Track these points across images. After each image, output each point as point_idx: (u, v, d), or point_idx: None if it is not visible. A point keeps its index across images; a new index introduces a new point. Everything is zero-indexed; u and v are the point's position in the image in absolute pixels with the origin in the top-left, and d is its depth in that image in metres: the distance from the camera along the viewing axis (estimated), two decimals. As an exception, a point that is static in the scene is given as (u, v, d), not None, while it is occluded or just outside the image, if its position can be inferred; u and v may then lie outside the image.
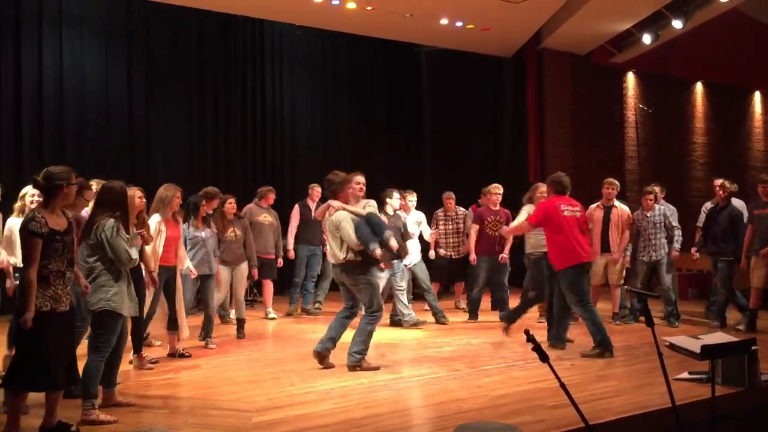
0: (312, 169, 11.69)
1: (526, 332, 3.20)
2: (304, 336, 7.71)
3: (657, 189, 8.64)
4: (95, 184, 5.69)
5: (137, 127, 10.77)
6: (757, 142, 16.32)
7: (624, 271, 8.34)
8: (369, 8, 10.62)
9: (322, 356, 5.87)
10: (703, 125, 15.25)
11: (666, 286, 8.12)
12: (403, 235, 7.90)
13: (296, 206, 9.36)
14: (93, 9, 10.41)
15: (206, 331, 6.98)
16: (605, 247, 8.22)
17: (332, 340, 5.91)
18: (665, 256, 8.13)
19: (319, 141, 12.46)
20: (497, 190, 8.66)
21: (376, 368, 5.80)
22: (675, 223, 8.30)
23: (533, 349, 3.11)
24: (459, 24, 11.43)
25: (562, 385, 3.13)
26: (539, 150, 12.84)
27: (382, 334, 7.79)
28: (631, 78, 14.07)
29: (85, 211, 5.34)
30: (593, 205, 8.41)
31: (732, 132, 15.73)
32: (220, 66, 11.51)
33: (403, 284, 8.21)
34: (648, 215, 8.18)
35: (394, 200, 7.97)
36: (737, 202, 8.42)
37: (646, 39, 11.92)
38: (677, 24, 11.04)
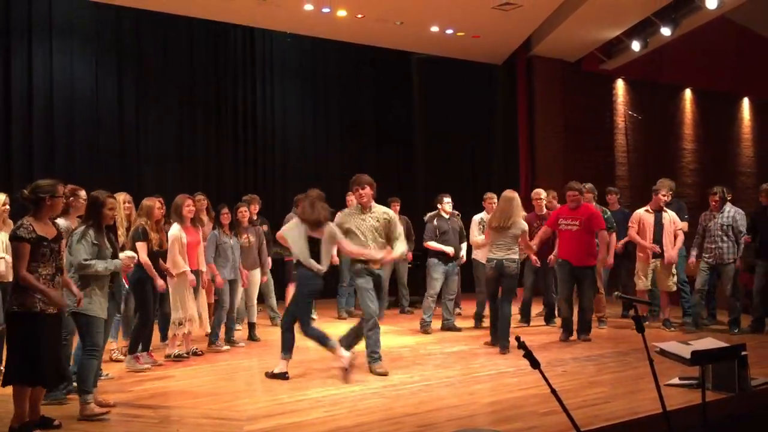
0: (303, 176, 11.70)
1: (517, 339, 3.20)
2: (297, 344, 7.65)
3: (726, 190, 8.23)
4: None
5: (128, 135, 10.72)
6: (746, 148, 16.43)
7: (675, 277, 8.17)
8: (360, 16, 10.65)
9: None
10: (692, 131, 15.34)
11: (729, 293, 7.87)
12: (460, 237, 8.45)
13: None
14: (83, 18, 10.35)
15: (230, 331, 7.49)
16: (655, 253, 8.13)
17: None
18: (734, 262, 7.82)
19: (310, 148, 12.44)
20: (538, 195, 8.81)
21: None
22: (743, 229, 7.87)
23: (524, 355, 3.11)
24: (449, 31, 11.48)
25: (554, 392, 3.13)
26: (530, 156, 12.89)
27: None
28: (620, 85, 14.15)
29: None
30: (641, 210, 8.35)
31: (721, 138, 15.83)
32: (211, 74, 11.48)
33: (454, 289, 8.48)
34: (717, 216, 7.89)
35: (446, 204, 8.37)
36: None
37: (636, 46, 12.00)
38: (666, 31, 11.12)
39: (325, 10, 10.34)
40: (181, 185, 10.15)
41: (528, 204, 9.09)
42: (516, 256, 7.04)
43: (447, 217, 8.39)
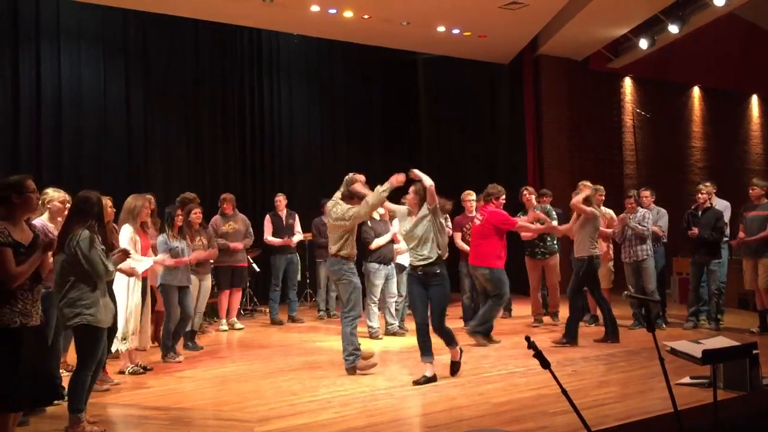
0: (310, 176, 11.73)
1: (527, 339, 3.20)
2: (305, 345, 7.70)
3: (646, 193, 8.67)
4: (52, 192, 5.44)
5: (135, 137, 10.77)
6: (754, 146, 16.34)
7: (612, 275, 8.47)
8: (366, 16, 10.65)
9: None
10: (700, 129, 15.27)
11: (651, 289, 8.06)
12: (392, 240, 8.06)
13: (267, 216, 9.56)
14: (90, 22, 10.42)
15: (165, 346, 6.76)
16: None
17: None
18: (648, 259, 8.09)
19: (316, 148, 12.48)
20: (469, 197, 8.56)
21: (374, 365, 5.97)
22: (648, 225, 8.12)
23: (534, 355, 3.10)
24: (456, 31, 11.46)
25: (564, 392, 3.13)
26: (537, 156, 12.84)
27: (382, 341, 7.79)
28: (628, 83, 14.09)
29: (39, 221, 5.06)
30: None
31: (730, 136, 15.75)
32: (218, 75, 11.53)
33: (394, 291, 8.19)
34: (630, 217, 8.18)
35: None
36: (721, 203, 8.53)
37: (643, 44, 11.95)
38: (673, 29, 11.07)
39: (332, 11, 10.36)
40: (188, 186, 10.19)
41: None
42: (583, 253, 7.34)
43: (378, 219, 8.03)
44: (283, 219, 9.48)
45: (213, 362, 6.77)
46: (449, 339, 5.80)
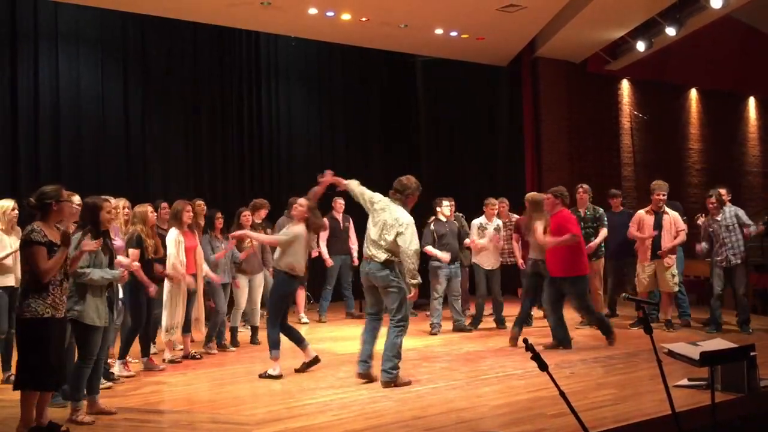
0: (309, 179, 11.69)
1: (525, 341, 3.20)
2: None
3: (723, 191, 8.12)
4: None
5: (134, 140, 10.75)
6: (752, 147, 16.36)
7: (676, 277, 8.05)
8: (364, 19, 10.66)
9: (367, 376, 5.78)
10: (698, 131, 15.29)
11: (741, 293, 7.77)
12: (460, 240, 8.58)
13: (324, 219, 9.49)
14: (89, 23, 10.40)
15: (209, 336, 7.34)
16: (654, 254, 8.04)
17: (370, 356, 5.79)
18: (742, 262, 7.71)
19: (315, 151, 12.46)
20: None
21: (408, 383, 5.64)
22: (749, 220, 7.80)
23: (532, 357, 3.11)
24: (454, 34, 11.47)
25: (562, 394, 3.13)
26: (536, 158, 12.86)
27: (383, 344, 7.78)
28: (626, 85, 14.12)
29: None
30: (641, 211, 8.29)
31: (727, 137, 15.77)
32: (216, 78, 11.51)
33: (458, 288, 8.52)
34: (719, 219, 7.79)
35: (444, 208, 8.52)
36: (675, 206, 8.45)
37: (640, 46, 11.98)
38: (671, 31, 11.10)
39: (329, 13, 10.37)
40: (186, 189, 10.20)
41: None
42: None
43: (445, 220, 8.49)
44: (341, 222, 9.62)
45: (210, 364, 6.76)
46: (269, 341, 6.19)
